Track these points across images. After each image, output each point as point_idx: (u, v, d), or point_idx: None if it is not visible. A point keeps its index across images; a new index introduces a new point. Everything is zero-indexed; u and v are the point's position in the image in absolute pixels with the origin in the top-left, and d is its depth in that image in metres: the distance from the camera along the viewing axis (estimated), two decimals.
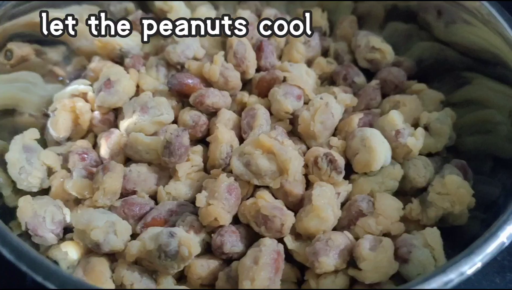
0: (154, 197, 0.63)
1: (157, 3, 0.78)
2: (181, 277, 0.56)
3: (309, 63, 0.78)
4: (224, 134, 0.63)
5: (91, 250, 0.55)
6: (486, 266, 0.46)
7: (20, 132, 0.66)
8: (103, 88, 0.68)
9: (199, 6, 0.85)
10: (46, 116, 0.73)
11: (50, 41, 0.77)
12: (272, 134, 0.62)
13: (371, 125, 0.66)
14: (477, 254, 0.45)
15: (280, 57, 0.79)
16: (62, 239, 0.59)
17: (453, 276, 0.44)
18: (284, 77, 0.70)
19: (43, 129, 0.72)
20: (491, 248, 0.46)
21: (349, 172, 0.63)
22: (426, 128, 0.67)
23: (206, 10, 0.84)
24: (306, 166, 0.61)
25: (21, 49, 0.70)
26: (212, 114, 0.69)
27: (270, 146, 0.57)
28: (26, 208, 0.57)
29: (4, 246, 0.45)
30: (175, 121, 0.69)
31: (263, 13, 0.81)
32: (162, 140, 0.61)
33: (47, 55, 0.78)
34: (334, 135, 0.67)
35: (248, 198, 0.59)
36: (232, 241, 0.55)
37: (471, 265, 0.45)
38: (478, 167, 0.65)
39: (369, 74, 0.77)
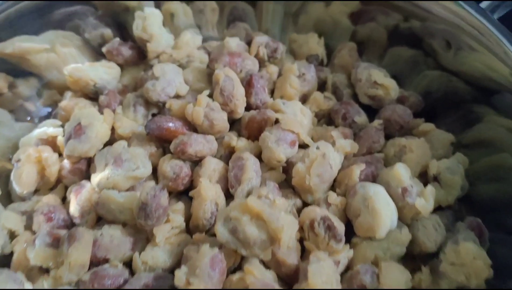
0: (129, 263, 0.56)
1: (135, 32, 0.70)
2: None
3: (305, 98, 0.70)
4: (208, 191, 0.56)
5: None
6: None
7: None
8: (73, 134, 0.61)
9: (183, 31, 0.77)
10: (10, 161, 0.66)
11: (22, 72, 0.70)
12: (263, 191, 0.55)
13: (374, 178, 0.59)
14: None
15: (272, 91, 0.71)
16: None
17: None
18: (277, 119, 0.63)
19: (8, 179, 0.64)
20: None
21: (350, 233, 0.56)
22: (436, 178, 0.60)
23: (191, 36, 0.76)
24: (301, 228, 0.54)
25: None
26: (196, 162, 0.61)
27: (260, 212, 0.50)
28: None
29: None
30: (154, 169, 0.61)
31: (254, 40, 0.73)
32: (137, 200, 0.54)
33: (18, 89, 0.71)
34: (332, 186, 0.60)
35: (234, 270, 0.52)
36: None
37: None
38: (495, 221, 0.58)
39: (371, 110, 0.69)
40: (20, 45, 0.69)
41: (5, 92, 0.69)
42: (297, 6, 0.82)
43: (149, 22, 0.70)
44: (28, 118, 0.71)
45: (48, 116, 0.72)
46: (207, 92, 0.64)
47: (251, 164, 0.59)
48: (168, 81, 0.65)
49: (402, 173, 0.55)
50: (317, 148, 0.58)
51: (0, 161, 0.66)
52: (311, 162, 0.57)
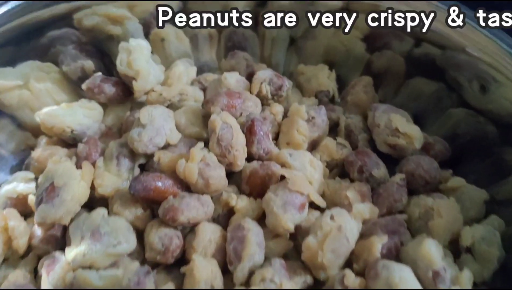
0: None
1: (120, 68, 0.61)
2: None
3: (314, 144, 0.61)
4: (203, 270, 0.48)
5: None
6: None
7: None
8: (45, 197, 0.52)
9: (175, 63, 0.68)
10: None
11: None
12: (268, 273, 0.47)
13: (397, 250, 0.50)
14: None
15: (277, 134, 0.62)
16: None
17: None
18: (282, 175, 0.54)
19: None
20: None
21: None
22: (469, 250, 0.51)
23: (184, 68, 0.67)
24: None
25: None
26: (188, 229, 0.53)
27: None
28: None
29: None
30: (140, 235, 0.53)
31: (255, 76, 0.63)
32: (118, 285, 0.45)
33: None
34: (348, 261, 0.51)
35: None
36: None
37: None
38: None
39: (389, 159, 0.60)
40: None
41: None
42: (303, 30, 0.73)
43: (135, 56, 0.61)
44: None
45: (21, 164, 0.63)
46: (201, 144, 0.55)
47: (254, 236, 0.50)
48: (156, 129, 0.56)
49: (433, 252, 0.47)
50: (331, 218, 0.49)
51: None
52: (324, 236, 0.48)
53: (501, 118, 0.60)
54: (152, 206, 0.55)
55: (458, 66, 0.63)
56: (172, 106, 0.63)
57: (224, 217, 0.56)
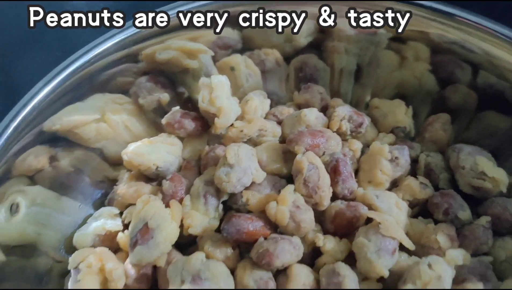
0: None
1: (201, 105, 0.61)
2: None
3: (395, 183, 0.61)
4: None
5: None
6: None
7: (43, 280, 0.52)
8: (140, 238, 0.52)
9: (249, 95, 0.68)
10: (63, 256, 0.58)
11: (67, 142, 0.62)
12: None
13: None
14: None
15: (355, 172, 0.62)
16: None
17: None
18: (372, 219, 0.54)
19: (61, 278, 0.57)
20: None
21: None
22: None
23: (259, 101, 0.67)
24: None
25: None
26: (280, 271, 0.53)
27: None
28: None
29: None
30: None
31: (334, 114, 0.63)
32: None
33: (60, 162, 0.62)
34: None
35: None
36: None
37: None
38: None
39: (472, 200, 0.60)
40: (68, 119, 0.61)
41: (45, 167, 0.61)
42: (369, 56, 0.73)
43: (217, 93, 0.61)
44: (79, 205, 0.63)
45: (101, 197, 0.64)
46: (292, 187, 0.55)
47: (350, 282, 0.50)
48: (244, 170, 0.56)
49: None
50: (430, 267, 0.49)
51: (50, 254, 0.58)
52: (424, 285, 0.48)
53: None
54: (239, 245, 0.56)
55: None
56: (250, 141, 0.64)
57: (309, 256, 0.56)
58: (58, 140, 0.62)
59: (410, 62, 0.70)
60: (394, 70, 0.72)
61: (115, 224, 0.57)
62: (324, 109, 0.68)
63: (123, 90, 0.68)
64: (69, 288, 0.53)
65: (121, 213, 0.60)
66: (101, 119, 0.65)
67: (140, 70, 0.68)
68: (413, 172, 0.63)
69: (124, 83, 0.67)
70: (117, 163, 0.66)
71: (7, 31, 0.90)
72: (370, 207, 0.56)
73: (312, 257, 0.57)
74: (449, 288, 0.50)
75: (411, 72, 0.71)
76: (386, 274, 0.51)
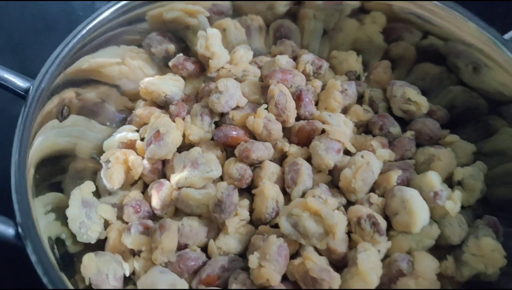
0: (204, 249, 0.67)
1: (200, 50, 0.81)
2: None
3: (345, 110, 0.81)
4: (270, 190, 0.67)
5: None
6: None
7: (77, 178, 0.71)
8: (153, 140, 0.72)
9: (236, 47, 0.88)
10: (95, 160, 0.78)
11: (95, 82, 0.81)
12: (316, 191, 0.67)
13: (408, 182, 0.70)
14: None
15: (316, 103, 0.82)
16: None
17: None
18: (323, 129, 0.73)
19: (94, 174, 0.76)
20: None
21: (388, 227, 0.67)
22: (460, 183, 0.71)
23: (244, 52, 0.87)
24: (348, 223, 0.65)
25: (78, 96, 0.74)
26: (256, 165, 0.73)
27: (318, 210, 0.61)
28: (90, 266, 0.61)
29: None
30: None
31: (300, 58, 0.83)
32: (213, 197, 0.65)
33: (94, 98, 0.81)
34: (372, 188, 0.71)
35: (294, 255, 0.64)
36: None
37: None
38: (507, 219, 0.69)
39: (403, 122, 0.80)
40: (95, 60, 0.80)
41: (74, 102, 0.79)
42: (334, 23, 0.92)
43: (211, 41, 0.81)
44: (108, 123, 0.82)
45: (123, 121, 0.83)
46: (264, 106, 0.75)
47: (305, 169, 0.70)
48: (230, 95, 0.76)
49: (434, 180, 0.66)
50: (362, 157, 0.69)
51: (86, 160, 0.77)
52: (357, 169, 0.68)
53: (489, 94, 0.78)
54: (226, 149, 0.75)
55: (457, 53, 0.81)
56: (237, 80, 0.83)
57: (279, 160, 0.76)
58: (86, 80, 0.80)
59: (366, 26, 0.90)
60: (352, 33, 0.92)
61: (134, 135, 0.77)
62: (295, 59, 0.87)
63: (133, 44, 0.87)
64: (101, 176, 0.72)
65: (137, 131, 0.80)
66: (122, 63, 0.84)
67: (145, 30, 0.86)
68: (360, 104, 0.83)
69: (132, 40, 0.85)
70: (133, 97, 0.85)
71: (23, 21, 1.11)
72: (324, 123, 0.76)
73: (281, 160, 0.76)
74: (376, 173, 0.69)
75: (364, 33, 0.90)
76: (331, 165, 0.70)
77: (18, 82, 0.64)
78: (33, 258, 0.51)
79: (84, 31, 0.72)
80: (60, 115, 0.70)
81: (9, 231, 0.53)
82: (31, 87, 0.64)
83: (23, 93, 0.64)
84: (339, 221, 0.61)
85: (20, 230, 0.53)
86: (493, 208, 0.72)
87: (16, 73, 0.64)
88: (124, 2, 0.77)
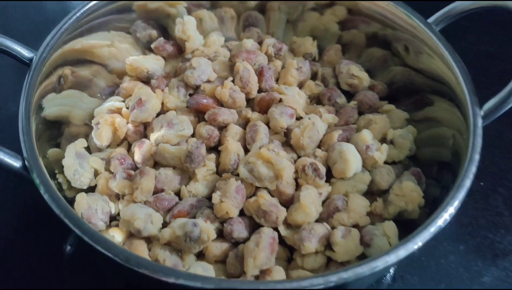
0: (177, 194, 0.81)
1: (177, 33, 0.95)
2: (200, 255, 0.74)
3: (301, 85, 0.95)
4: (233, 146, 0.81)
5: (132, 235, 0.73)
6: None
7: (72, 140, 0.84)
8: (136, 106, 0.85)
9: (210, 33, 1.02)
10: (87, 126, 0.91)
11: (87, 62, 0.95)
12: (270, 146, 0.80)
13: (348, 140, 0.84)
14: (419, 235, 0.62)
15: (277, 80, 0.96)
16: (109, 226, 0.77)
17: (402, 252, 0.61)
18: (280, 98, 0.87)
19: (86, 137, 0.89)
20: (431, 230, 0.62)
21: (330, 176, 0.81)
22: (391, 142, 0.85)
23: (217, 37, 1.01)
24: (296, 172, 0.79)
25: (73, 73, 0.87)
26: (222, 128, 0.86)
27: (269, 157, 0.75)
28: (82, 202, 0.74)
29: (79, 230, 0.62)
30: (193, 134, 0.86)
31: (264, 42, 0.98)
32: (184, 150, 0.79)
33: (87, 75, 0.95)
34: (318, 146, 0.85)
35: (251, 196, 0.77)
36: (239, 229, 0.73)
37: (414, 244, 0.61)
38: (430, 172, 0.83)
39: (349, 95, 0.95)
40: (88, 42, 0.94)
41: (79, 79, 0.93)
42: (297, 15, 1.07)
43: (187, 26, 0.95)
44: (98, 95, 0.96)
45: (111, 94, 0.97)
46: (230, 78, 0.89)
47: (263, 129, 0.84)
48: (202, 70, 0.90)
49: (367, 136, 0.81)
50: (309, 118, 0.83)
51: (79, 126, 0.91)
52: (304, 128, 0.82)
53: (424, 73, 0.93)
54: (198, 116, 0.89)
55: (397, 38, 0.96)
56: (210, 60, 0.97)
57: (243, 125, 0.89)
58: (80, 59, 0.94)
59: (325, 16, 1.05)
60: (312, 22, 1.06)
61: (121, 104, 0.90)
62: (260, 43, 1.01)
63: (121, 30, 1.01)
64: (92, 136, 0.86)
65: (123, 101, 0.93)
66: (111, 45, 0.98)
67: (132, 19, 1.01)
68: (314, 80, 0.97)
69: (121, 27, 0.99)
70: (121, 75, 0.98)
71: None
72: (281, 94, 0.90)
73: (244, 126, 0.90)
74: (321, 132, 0.83)
75: (321, 22, 1.05)
76: (284, 126, 0.84)
77: (24, 52, 0.77)
78: (37, 180, 0.64)
79: (78, 14, 0.85)
80: (57, 86, 0.84)
81: (18, 163, 0.67)
82: (35, 57, 0.78)
83: (28, 61, 0.77)
84: (286, 166, 0.75)
85: (26, 163, 0.66)
86: (421, 164, 0.86)
87: (23, 45, 0.78)
88: None
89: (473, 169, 0.67)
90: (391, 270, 0.84)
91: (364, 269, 0.58)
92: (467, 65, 0.80)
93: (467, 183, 0.66)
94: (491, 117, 0.75)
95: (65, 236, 0.85)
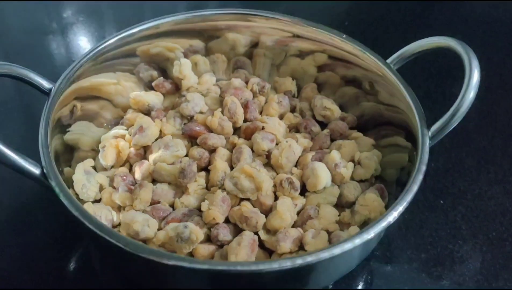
0: (172, 206, 0.93)
1: (175, 73, 1.10)
2: (190, 255, 0.85)
3: (281, 116, 1.09)
4: (221, 165, 0.94)
5: (132, 237, 0.84)
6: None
7: (81, 162, 0.97)
8: (138, 132, 0.99)
9: (203, 74, 1.18)
10: (94, 151, 1.04)
11: (95, 97, 1.09)
12: (253, 165, 0.93)
13: (320, 160, 0.97)
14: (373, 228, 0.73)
15: (261, 112, 1.10)
16: None
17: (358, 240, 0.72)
18: (263, 126, 1.01)
19: (92, 160, 1.02)
20: (382, 224, 0.74)
21: (304, 191, 0.93)
22: (359, 162, 0.98)
23: (209, 77, 1.17)
24: (275, 186, 0.92)
25: (82, 107, 1.02)
26: (212, 151, 1.00)
27: (251, 172, 0.88)
28: (89, 210, 0.86)
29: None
30: (186, 155, 0.99)
31: (250, 81, 1.13)
32: (178, 167, 0.91)
33: (95, 108, 1.10)
34: (295, 166, 0.97)
35: (235, 206, 0.89)
36: (224, 233, 0.85)
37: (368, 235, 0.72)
38: (393, 190, 0.95)
39: (323, 125, 1.09)
40: (97, 80, 1.09)
41: (87, 112, 1.07)
42: (280, 60, 1.24)
43: (183, 67, 1.11)
44: (104, 124, 1.10)
45: (117, 124, 1.11)
46: (220, 110, 1.03)
47: (247, 151, 0.97)
48: (195, 103, 1.04)
49: (335, 156, 0.93)
50: (286, 141, 0.96)
51: (87, 151, 1.04)
52: (282, 149, 0.95)
53: (387, 105, 1.07)
54: (191, 141, 1.03)
55: (365, 78, 1.11)
56: (202, 96, 1.12)
57: (230, 149, 1.03)
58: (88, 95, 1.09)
59: (304, 61, 1.21)
60: (293, 66, 1.23)
61: (124, 131, 1.04)
62: (246, 83, 1.17)
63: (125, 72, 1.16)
64: (98, 157, 0.99)
65: (126, 130, 1.07)
66: (117, 83, 1.13)
67: (136, 62, 1.16)
68: (293, 113, 1.12)
69: (126, 69, 1.15)
70: (125, 109, 1.12)
71: None
72: (263, 123, 1.04)
73: (231, 151, 1.03)
74: (298, 154, 0.97)
75: (300, 66, 1.21)
76: (266, 149, 0.97)
77: (44, 82, 0.92)
78: (56, 189, 0.76)
79: (91, 53, 1.01)
80: (70, 116, 0.98)
81: (37, 170, 0.79)
82: (53, 87, 0.92)
83: (47, 91, 0.92)
84: (265, 179, 0.87)
85: (44, 170, 0.79)
86: (386, 184, 0.98)
87: (43, 77, 0.92)
88: (118, 37, 1.08)
89: (420, 177, 0.80)
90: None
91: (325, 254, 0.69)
92: (417, 95, 0.94)
93: (414, 187, 0.78)
94: (437, 137, 0.88)
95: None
